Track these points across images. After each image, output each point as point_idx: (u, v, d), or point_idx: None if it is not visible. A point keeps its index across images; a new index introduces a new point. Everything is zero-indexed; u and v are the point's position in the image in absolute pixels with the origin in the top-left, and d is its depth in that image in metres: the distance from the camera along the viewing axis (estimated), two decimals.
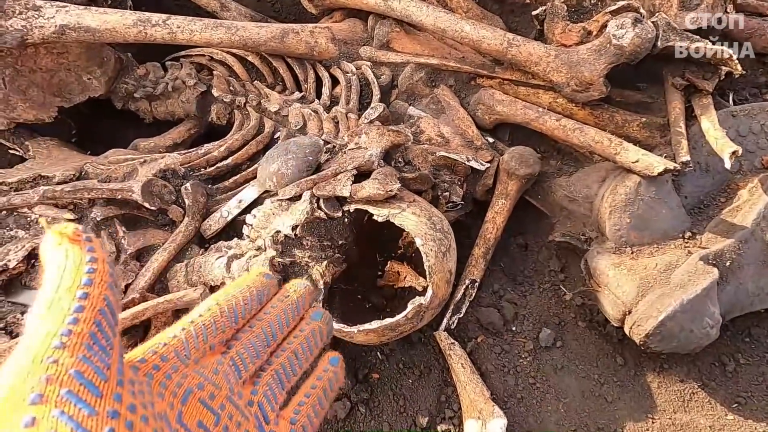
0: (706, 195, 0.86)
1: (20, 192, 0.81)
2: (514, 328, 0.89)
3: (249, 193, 0.85)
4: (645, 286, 0.75)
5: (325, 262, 0.76)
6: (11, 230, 0.78)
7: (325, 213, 0.76)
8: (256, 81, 1.10)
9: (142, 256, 0.79)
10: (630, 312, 0.75)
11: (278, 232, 0.76)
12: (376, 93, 1.03)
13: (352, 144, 0.89)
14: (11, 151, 1.04)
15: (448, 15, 0.98)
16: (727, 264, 0.77)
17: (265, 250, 0.75)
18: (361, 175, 0.80)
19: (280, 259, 0.74)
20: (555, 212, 0.93)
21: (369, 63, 1.07)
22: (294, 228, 0.76)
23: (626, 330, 0.77)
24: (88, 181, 0.82)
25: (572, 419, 0.81)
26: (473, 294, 0.89)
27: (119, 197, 0.79)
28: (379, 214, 0.75)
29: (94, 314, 0.22)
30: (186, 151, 0.96)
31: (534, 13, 0.98)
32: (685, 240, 0.80)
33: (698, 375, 0.83)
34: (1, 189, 0.82)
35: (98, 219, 0.77)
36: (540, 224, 0.97)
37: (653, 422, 0.80)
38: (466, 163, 0.90)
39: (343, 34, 1.11)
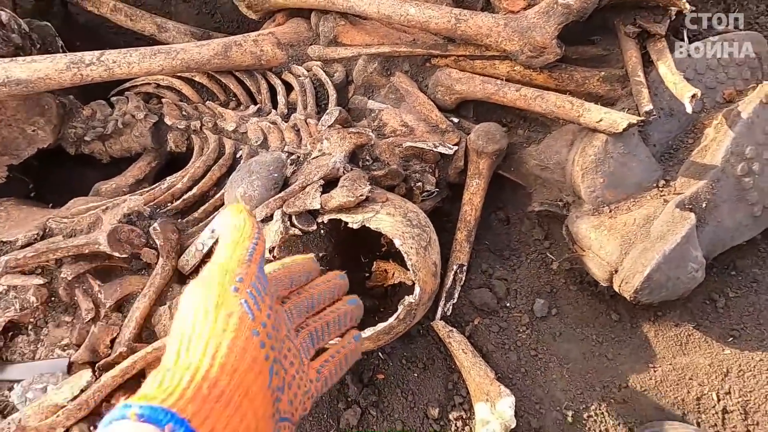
0: (674, 139, 0.86)
1: None
2: (508, 304, 0.89)
3: (220, 223, 0.83)
4: (627, 243, 0.75)
5: None
6: None
7: (300, 229, 0.75)
8: (208, 102, 1.06)
9: (122, 306, 0.78)
10: (616, 271, 0.76)
11: None
12: (332, 93, 1.00)
13: (316, 151, 0.87)
14: None
15: (391, 0, 0.95)
16: (704, 206, 0.78)
17: None
18: (330, 183, 0.78)
19: None
20: (530, 182, 0.93)
21: (320, 63, 1.04)
22: (271, 250, 0.74)
23: (616, 288, 0.78)
24: (52, 239, 0.79)
25: (577, 383, 0.82)
26: (462, 278, 0.89)
27: (87, 251, 0.76)
28: (354, 220, 0.73)
29: (260, 256, 0.36)
30: (149, 188, 0.93)
31: None
32: (660, 189, 0.80)
33: (691, 317, 0.85)
34: None
35: (69, 278, 0.75)
36: (517, 195, 0.97)
37: (655, 370, 0.82)
38: (434, 149, 0.89)
39: (287, 37, 1.07)
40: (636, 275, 0.73)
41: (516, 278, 0.91)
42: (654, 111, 0.79)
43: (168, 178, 0.95)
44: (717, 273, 0.87)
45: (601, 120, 0.77)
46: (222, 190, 0.88)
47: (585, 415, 0.80)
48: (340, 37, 1.05)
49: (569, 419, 0.79)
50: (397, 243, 0.71)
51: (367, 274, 0.92)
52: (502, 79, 0.92)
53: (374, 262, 0.91)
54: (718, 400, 0.79)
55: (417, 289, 0.71)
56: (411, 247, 0.71)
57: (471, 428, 0.80)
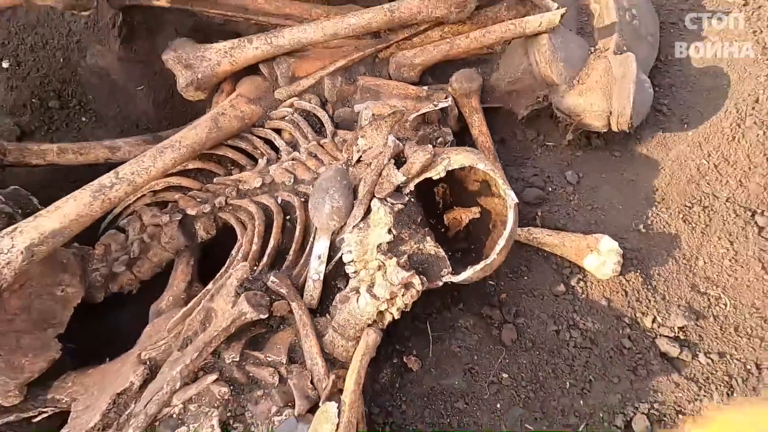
0: (577, 21, 1.15)
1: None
2: (550, 189, 1.09)
3: (321, 245, 0.88)
4: (606, 91, 1.00)
5: (428, 237, 0.86)
6: None
7: (401, 203, 0.85)
8: (215, 179, 1.08)
9: (292, 359, 0.79)
10: (611, 113, 1.01)
11: (380, 244, 0.83)
12: (322, 114, 1.11)
13: (354, 154, 0.97)
14: (41, 416, 0.87)
15: (329, 21, 1.10)
16: (624, 48, 1.07)
17: (385, 264, 0.81)
18: (396, 161, 0.90)
19: (404, 259, 0.81)
20: (509, 100, 1.15)
21: (296, 98, 1.14)
22: (390, 231, 0.83)
23: (614, 127, 1.03)
24: (201, 338, 0.77)
25: (615, 217, 1.05)
26: None
27: (233, 329, 0.76)
28: (437, 172, 0.86)
29: None
30: (223, 271, 0.93)
31: None
32: (595, 52, 1.08)
33: (657, 127, 1.14)
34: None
35: (237, 359, 0.74)
36: (501, 119, 1.19)
37: (660, 169, 1.09)
38: (436, 107, 1.05)
39: (252, 93, 1.15)
40: (626, 106, 0.98)
41: (542, 169, 1.12)
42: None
43: (233, 253, 0.95)
44: (657, 75, 1.17)
45: (540, 23, 1.02)
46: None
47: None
48: (296, 72, 1.17)
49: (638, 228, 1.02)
50: (481, 166, 0.85)
51: (443, 229, 1.05)
52: (448, 39, 1.13)
53: (444, 216, 1.03)
54: (704, 167, 1.08)
55: (510, 192, 0.86)
56: (488, 166, 0.86)
57: (588, 283, 0.98)
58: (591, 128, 1.06)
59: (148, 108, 1.38)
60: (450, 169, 0.86)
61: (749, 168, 1.05)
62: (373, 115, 1.11)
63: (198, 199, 1.05)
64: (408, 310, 0.81)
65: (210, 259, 1.12)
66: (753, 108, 1.09)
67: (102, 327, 1.10)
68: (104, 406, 0.77)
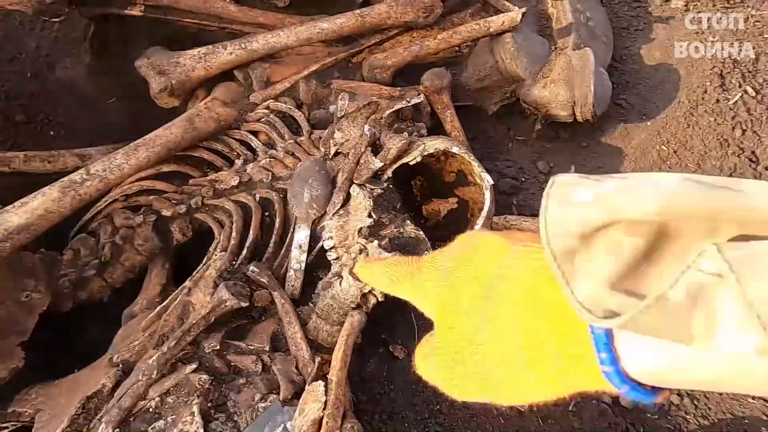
0: (536, 24, 1.23)
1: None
2: (522, 179, 1.13)
3: (301, 234, 0.88)
4: (569, 83, 1.06)
5: (408, 221, 0.86)
6: None
7: (379, 189, 0.86)
8: (191, 180, 1.07)
9: (276, 348, 0.76)
10: (575, 103, 1.06)
11: (360, 228, 0.83)
12: (298, 114, 1.13)
13: (332, 146, 0.98)
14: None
15: (302, 26, 1.13)
16: (582, 46, 1.14)
17: (366, 247, 0.81)
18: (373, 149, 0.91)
19: (385, 242, 0.81)
20: (479, 98, 1.20)
21: (271, 101, 1.15)
22: (370, 215, 0.83)
23: (578, 117, 1.08)
24: (183, 326, 0.73)
25: None
26: None
27: (213, 318, 0.74)
28: (413, 158, 0.88)
29: None
30: (201, 267, 0.90)
31: None
32: (556, 50, 1.14)
33: (617, 119, 1.21)
34: None
35: (217, 347, 0.71)
36: (473, 117, 1.23)
37: (623, 155, 1.14)
38: (410, 104, 1.08)
39: (228, 97, 1.16)
40: (587, 95, 1.04)
41: (514, 161, 1.16)
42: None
43: (211, 250, 0.93)
44: (615, 75, 1.25)
45: (503, 22, 1.08)
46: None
47: None
48: (272, 77, 1.19)
49: None
50: (455, 150, 0.88)
51: (422, 221, 1.06)
52: (418, 42, 1.18)
53: (423, 208, 1.05)
54: (664, 153, 1.14)
55: (486, 175, 0.89)
56: (462, 150, 0.89)
57: None
58: (557, 118, 1.11)
59: (120, 120, 1.36)
60: (426, 153, 0.88)
61: (704, 152, 1.12)
62: (350, 104, 1.13)
63: (173, 201, 1.03)
64: None
65: (183, 267, 1.09)
66: (702, 98, 1.17)
67: (70, 342, 1.04)
68: (73, 411, 0.72)
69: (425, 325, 0.95)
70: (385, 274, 0.39)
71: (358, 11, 1.14)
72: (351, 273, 0.78)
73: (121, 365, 0.78)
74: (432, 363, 0.36)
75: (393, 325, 0.93)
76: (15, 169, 1.07)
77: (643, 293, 0.23)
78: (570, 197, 0.26)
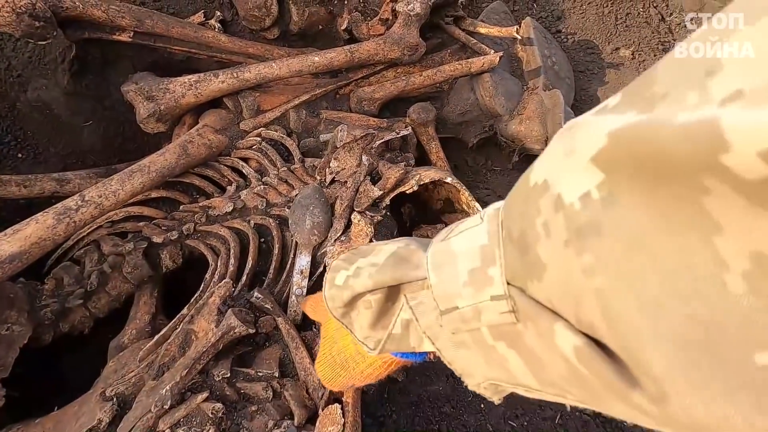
0: (508, 65, 1.34)
1: None
2: None
3: (303, 260, 0.90)
4: (542, 120, 1.17)
5: None
6: None
7: (379, 216, 0.90)
8: (182, 207, 1.06)
9: (283, 373, 0.77)
10: (547, 138, 1.17)
11: None
12: (290, 143, 1.16)
13: (327, 175, 1.02)
14: None
15: (294, 59, 1.18)
16: (550, 86, 1.27)
17: None
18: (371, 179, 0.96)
19: None
20: (460, 131, 1.28)
21: (262, 129, 1.17)
22: (371, 241, 0.87)
23: None
24: (187, 355, 0.72)
25: None
26: None
27: (221, 346, 0.74)
28: (411, 186, 0.93)
29: None
30: (199, 294, 0.90)
31: (342, 27, 1.28)
32: (528, 90, 1.26)
33: None
34: None
35: (227, 375, 0.71)
36: (453, 148, 1.32)
37: None
38: (398, 136, 1.15)
39: (218, 124, 1.17)
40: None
41: (492, 189, 1.24)
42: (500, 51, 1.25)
43: (207, 277, 0.93)
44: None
45: (483, 63, 1.18)
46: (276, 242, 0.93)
47: None
48: (262, 105, 1.21)
49: None
50: (449, 179, 0.94)
51: None
52: (404, 78, 1.26)
53: (412, 233, 1.10)
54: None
55: (475, 203, 0.96)
56: (455, 180, 0.96)
57: None
58: (532, 151, 1.21)
59: (95, 144, 1.32)
60: (422, 183, 0.93)
61: None
62: (348, 134, 1.18)
63: (163, 227, 1.02)
64: None
65: (167, 295, 1.07)
66: None
67: (42, 375, 0.98)
68: None
69: None
70: (311, 308, 0.66)
71: (347, 47, 1.20)
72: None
73: (115, 399, 0.75)
74: (318, 366, 0.56)
75: None
76: None
77: (388, 329, 0.38)
78: (334, 281, 0.41)
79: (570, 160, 0.23)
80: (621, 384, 0.22)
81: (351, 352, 0.47)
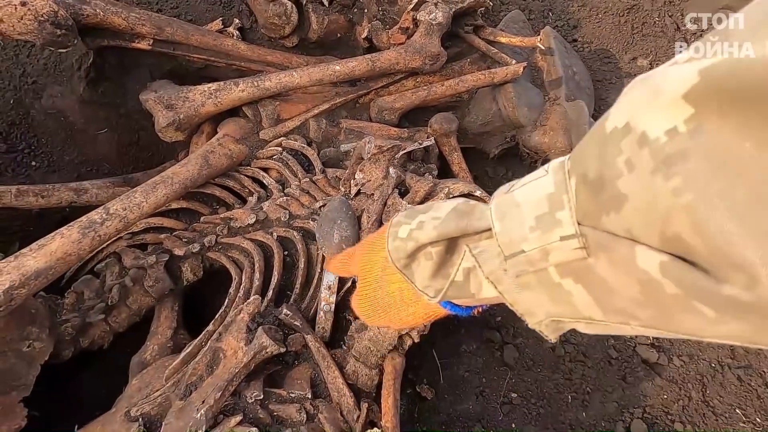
0: (529, 76, 1.33)
1: None
2: None
3: (330, 275, 0.88)
4: (566, 131, 1.16)
5: None
6: None
7: None
8: (202, 218, 1.04)
9: (315, 394, 0.75)
10: (572, 149, 1.15)
11: None
12: (311, 152, 1.14)
13: (353, 187, 1.00)
14: None
15: (315, 68, 1.16)
16: (572, 97, 1.25)
17: None
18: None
19: None
20: (480, 141, 1.27)
21: (282, 138, 1.16)
22: None
23: None
24: (216, 374, 0.70)
25: None
26: None
27: (252, 366, 0.71)
28: (440, 200, 0.92)
29: None
30: (223, 308, 0.87)
31: (363, 36, 1.26)
32: (551, 100, 1.25)
33: None
34: None
35: (260, 397, 0.69)
36: (474, 158, 1.30)
37: None
38: (421, 146, 1.13)
39: (238, 133, 1.15)
40: None
41: None
42: (523, 61, 1.24)
43: (232, 291, 0.90)
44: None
45: (507, 74, 1.17)
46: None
47: None
48: (281, 114, 1.20)
49: None
50: (478, 192, 0.92)
51: None
52: (425, 87, 1.25)
53: None
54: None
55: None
56: (484, 193, 0.94)
57: None
58: None
59: (109, 152, 1.30)
60: (451, 196, 0.92)
61: None
62: (376, 146, 1.16)
63: (184, 239, 1.00)
64: (427, 332, 0.82)
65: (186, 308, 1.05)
66: None
67: (59, 391, 0.96)
68: None
69: (449, 363, 0.97)
70: (340, 265, 0.61)
71: (368, 56, 1.19)
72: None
73: (141, 419, 0.73)
74: (357, 303, 0.55)
75: (418, 365, 0.93)
76: (5, 204, 0.99)
77: (450, 277, 0.40)
78: (398, 234, 0.43)
79: (657, 101, 0.25)
80: (708, 283, 0.24)
81: (396, 299, 0.49)
